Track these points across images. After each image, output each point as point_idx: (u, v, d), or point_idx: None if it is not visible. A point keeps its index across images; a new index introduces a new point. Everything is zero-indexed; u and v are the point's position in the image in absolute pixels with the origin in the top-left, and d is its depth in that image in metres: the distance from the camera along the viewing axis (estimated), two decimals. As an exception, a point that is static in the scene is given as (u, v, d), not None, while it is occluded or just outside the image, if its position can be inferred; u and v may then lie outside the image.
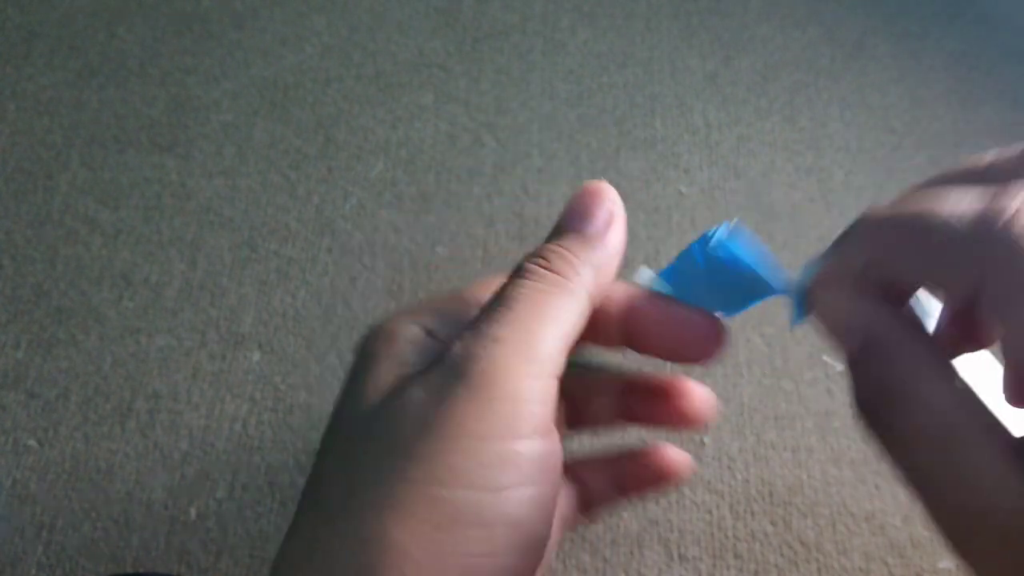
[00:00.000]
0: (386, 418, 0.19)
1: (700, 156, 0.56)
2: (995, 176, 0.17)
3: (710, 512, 0.42)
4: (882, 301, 0.19)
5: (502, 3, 0.64)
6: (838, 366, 0.47)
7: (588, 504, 0.27)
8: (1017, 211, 0.15)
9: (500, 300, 0.21)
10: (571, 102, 0.58)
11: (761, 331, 0.48)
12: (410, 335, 0.22)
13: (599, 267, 0.22)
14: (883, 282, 0.19)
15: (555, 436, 0.20)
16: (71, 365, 0.47)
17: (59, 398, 0.45)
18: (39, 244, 0.51)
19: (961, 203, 0.16)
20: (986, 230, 0.15)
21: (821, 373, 0.46)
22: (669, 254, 0.51)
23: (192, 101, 0.58)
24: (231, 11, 0.63)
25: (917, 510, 0.42)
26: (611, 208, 0.23)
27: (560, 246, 0.22)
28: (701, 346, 0.24)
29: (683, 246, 0.53)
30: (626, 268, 0.52)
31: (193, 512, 0.42)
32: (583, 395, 0.27)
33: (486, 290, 0.23)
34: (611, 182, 0.58)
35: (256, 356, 0.47)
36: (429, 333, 0.22)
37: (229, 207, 0.53)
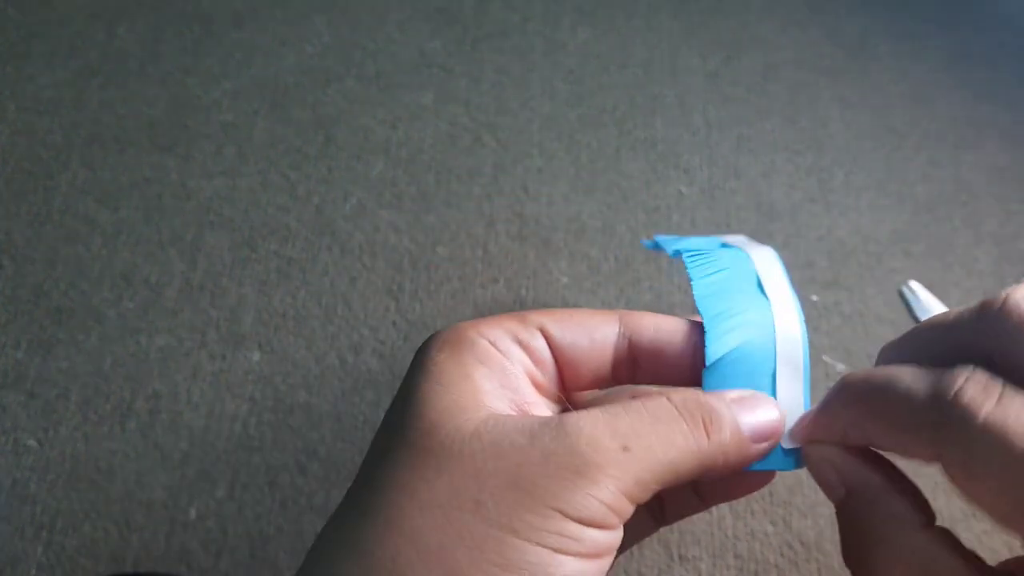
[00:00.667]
0: (472, 447, 0.19)
1: (700, 156, 0.56)
2: (955, 339, 0.20)
3: (710, 512, 0.42)
4: (863, 457, 0.21)
5: (502, 3, 0.64)
6: (838, 366, 0.47)
7: (663, 514, 0.26)
8: (960, 388, 0.18)
9: (643, 407, 0.20)
10: (571, 102, 0.58)
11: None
12: (481, 353, 0.22)
13: (726, 447, 0.21)
14: (864, 441, 0.21)
15: (618, 536, 0.20)
16: (71, 365, 0.47)
17: (59, 398, 0.45)
18: (39, 244, 0.51)
19: (918, 383, 0.19)
20: (937, 406, 0.18)
21: (821, 373, 0.46)
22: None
23: (192, 101, 0.58)
24: (231, 11, 0.63)
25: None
26: (775, 432, 0.22)
27: (707, 404, 0.21)
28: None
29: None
30: (626, 268, 0.52)
31: (193, 512, 0.42)
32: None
33: (559, 319, 0.23)
34: (611, 182, 0.58)
35: (256, 356, 0.47)
36: (503, 354, 0.22)
37: (229, 207, 0.53)
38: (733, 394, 0.22)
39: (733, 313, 0.24)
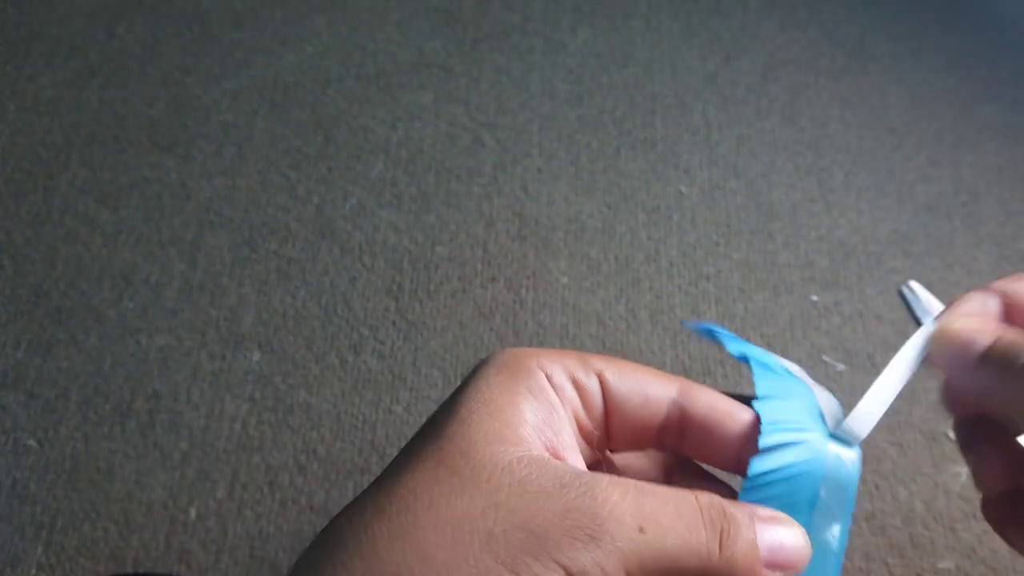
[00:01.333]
0: (500, 479, 0.20)
1: (700, 156, 0.56)
2: None
3: (710, 512, 0.42)
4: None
5: (502, 3, 0.64)
6: (838, 366, 0.47)
7: None
8: None
9: (670, 497, 0.20)
10: (571, 102, 0.58)
11: (761, 331, 0.48)
12: (534, 385, 0.22)
13: (736, 565, 0.20)
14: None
15: None
16: (71, 365, 0.47)
17: (59, 398, 0.45)
18: (39, 244, 0.51)
19: None
20: None
21: (821, 373, 0.46)
22: (669, 254, 0.51)
23: (192, 101, 0.58)
24: (231, 11, 0.63)
25: (917, 510, 0.42)
26: (795, 568, 0.21)
27: (731, 515, 0.21)
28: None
29: (683, 246, 0.54)
30: (626, 268, 0.52)
31: (193, 512, 0.42)
32: None
33: (624, 371, 0.23)
34: (611, 182, 0.58)
35: (256, 356, 0.47)
36: (557, 389, 0.22)
37: (229, 207, 0.53)
38: (765, 512, 0.21)
39: (791, 426, 0.23)
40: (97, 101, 0.58)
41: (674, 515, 0.20)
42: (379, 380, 0.46)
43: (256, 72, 0.59)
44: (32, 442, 0.44)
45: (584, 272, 0.50)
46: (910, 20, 0.64)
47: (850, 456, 0.23)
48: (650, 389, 0.23)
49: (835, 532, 0.22)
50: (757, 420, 0.23)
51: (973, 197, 0.54)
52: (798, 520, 0.22)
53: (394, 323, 0.48)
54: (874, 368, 0.47)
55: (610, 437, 0.24)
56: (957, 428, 0.25)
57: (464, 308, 0.49)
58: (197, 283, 0.50)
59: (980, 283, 0.53)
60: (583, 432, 0.23)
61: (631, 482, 0.20)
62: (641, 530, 0.19)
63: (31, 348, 0.47)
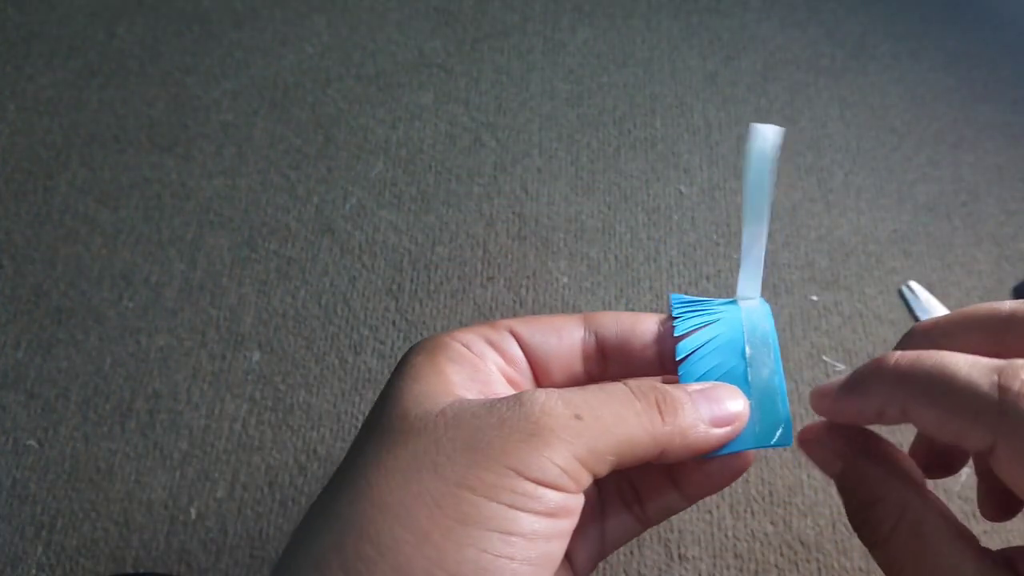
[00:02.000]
0: (435, 422, 0.20)
1: (700, 156, 0.56)
2: (1015, 329, 0.20)
3: (710, 512, 0.42)
4: (860, 434, 0.23)
5: (502, 3, 0.64)
6: (838, 366, 0.47)
7: (644, 511, 0.26)
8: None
9: (599, 387, 0.22)
10: (571, 102, 0.58)
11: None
12: (454, 353, 0.23)
13: (683, 430, 0.22)
14: (903, 421, 0.22)
15: (575, 515, 0.21)
16: (71, 365, 0.47)
17: (59, 398, 0.45)
18: (39, 244, 0.51)
19: (978, 372, 0.19)
20: (1000, 402, 0.18)
21: (821, 373, 0.46)
22: (669, 254, 0.51)
23: (192, 101, 0.58)
24: (231, 11, 0.63)
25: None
26: (738, 418, 0.23)
27: (665, 390, 0.22)
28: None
29: (683, 246, 0.54)
30: (626, 268, 0.52)
31: (193, 512, 0.42)
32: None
33: (532, 324, 0.25)
34: (611, 182, 0.58)
35: (256, 356, 0.47)
36: (477, 355, 0.23)
37: (229, 207, 0.53)
38: (695, 386, 0.23)
39: (701, 308, 0.25)
40: (97, 101, 0.58)
41: (606, 399, 0.21)
42: (379, 380, 0.46)
43: (256, 72, 0.59)
44: (32, 442, 0.44)
45: (584, 272, 0.50)
46: (910, 20, 0.64)
47: (755, 306, 0.25)
48: (561, 330, 0.25)
49: (772, 374, 0.24)
50: (668, 318, 0.25)
51: (973, 197, 0.54)
52: (737, 381, 0.24)
53: (394, 323, 0.48)
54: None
55: (540, 382, 0.25)
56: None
57: (464, 308, 0.49)
58: (197, 283, 0.50)
59: (980, 283, 0.53)
60: (515, 386, 0.24)
61: (557, 389, 0.21)
62: (577, 417, 0.20)
63: (31, 348, 0.47)
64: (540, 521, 0.19)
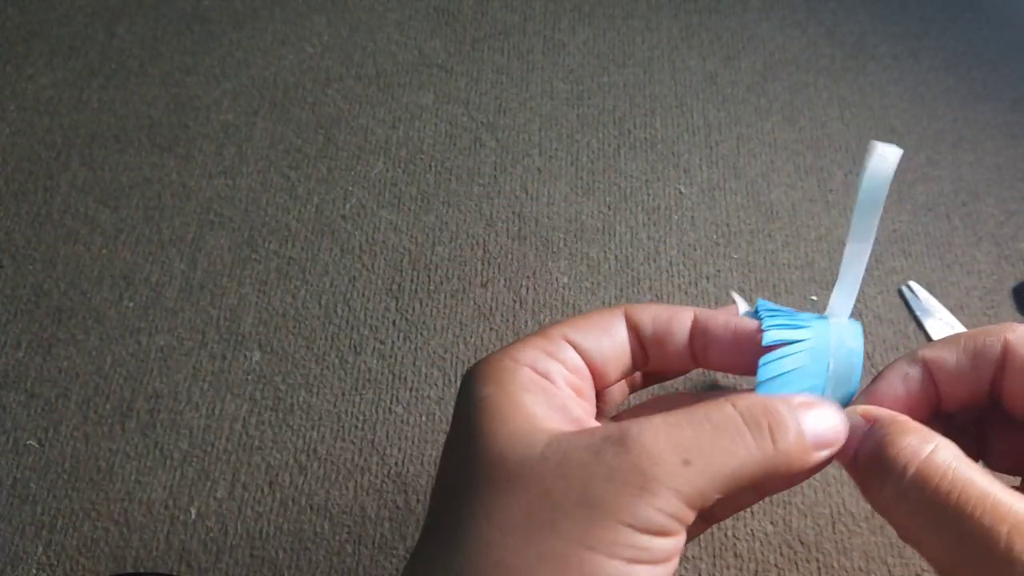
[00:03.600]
0: (539, 470, 0.20)
1: (700, 156, 0.56)
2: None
3: (710, 512, 0.42)
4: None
5: (502, 3, 0.64)
6: (838, 366, 0.47)
7: (712, 513, 0.26)
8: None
9: (705, 416, 0.21)
10: (571, 102, 0.58)
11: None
12: (525, 380, 0.23)
13: (790, 457, 0.21)
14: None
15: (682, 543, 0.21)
16: (71, 365, 0.47)
17: (59, 398, 0.45)
18: (39, 244, 0.51)
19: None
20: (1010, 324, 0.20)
21: (821, 373, 0.46)
22: (669, 254, 0.51)
23: (192, 101, 0.58)
24: (231, 11, 0.63)
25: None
26: (839, 437, 0.22)
27: (772, 409, 0.21)
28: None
29: (683, 246, 0.54)
30: (626, 268, 0.52)
31: (193, 512, 0.42)
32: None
33: (582, 326, 0.25)
34: (611, 182, 0.58)
35: (256, 356, 0.47)
36: (544, 375, 0.23)
37: (229, 207, 0.53)
38: (799, 399, 0.22)
39: (793, 323, 0.25)
40: (97, 101, 0.58)
41: (713, 434, 0.20)
42: (379, 380, 0.46)
43: (256, 72, 0.60)
44: (32, 442, 0.44)
45: (584, 272, 0.50)
46: (910, 20, 0.64)
47: (848, 325, 0.25)
48: (609, 328, 0.25)
49: (848, 395, 0.24)
50: (750, 322, 0.25)
51: (973, 197, 0.54)
52: (817, 386, 0.23)
53: (394, 323, 0.48)
54: (873, 368, 0.47)
55: (598, 386, 0.25)
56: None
57: (464, 308, 0.49)
58: (197, 283, 0.50)
59: (980, 283, 0.53)
60: (581, 395, 0.24)
61: (658, 418, 0.20)
62: (686, 463, 0.20)
63: (31, 348, 0.47)
64: (654, 570, 0.19)
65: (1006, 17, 0.64)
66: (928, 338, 0.47)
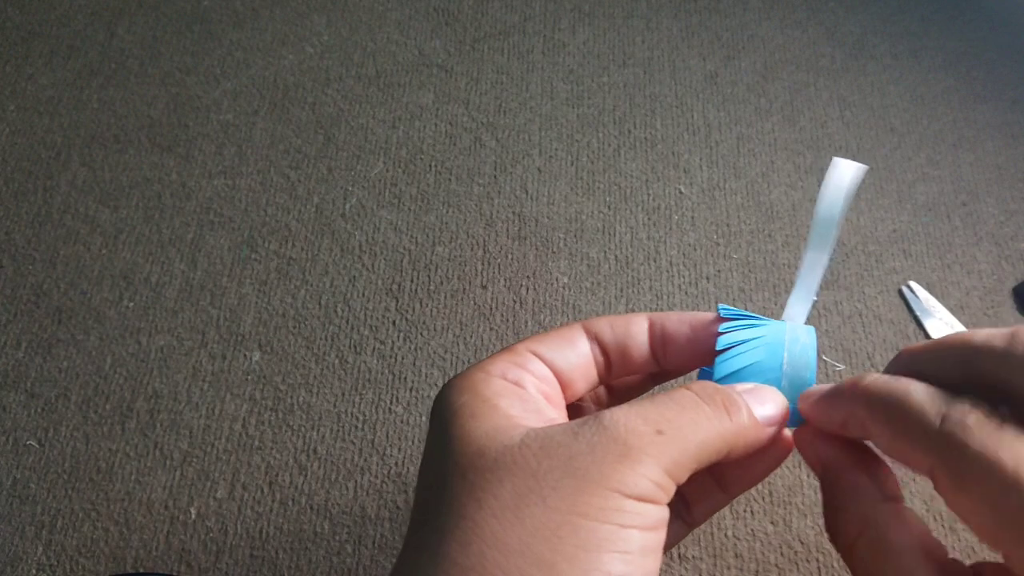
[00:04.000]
0: (523, 455, 0.21)
1: (700, 156, 0.56)
2: (983, 358, 0.21)
3: (710, 512, 0.42)
4: (836, 438, 0.24)
5: (502, 3, 0.64)
6: (838, 366, 0.47)
7: (691, 513, 0.28)
8: (965, 416, 0.20)
9: (667, 397, 0.23)
10: (571, 102, 0.58)
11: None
12: (497, 387, 0.24)
13: (745, 429, 0.23)
14: (860, 436, 0.23)
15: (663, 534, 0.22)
16: (71, 365, 0.47)
17: (59, 398, 0.45)
18: (39, 244, 0.51)
19: (930, 401, 0.21)
20: (940, 431, 0.20)
21: (821, 373, 0.46)
22: (669, 254, 0.51)
23: (192, 101, 0.58)
24: (231, 11, 0.63)
25: (917, 510, 0.42)
26: (783, 415, 0.25)
27: (725, 391, 0.23)
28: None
29: (683, 246, 0.54)
30: (626, 268, 0.52)
31: (193, 512, 0.42)
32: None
33: (547, 343, 0.26)
34: (611, 182, 0.58)
35: (256, 356, 0.47)
36: (516, 383, 0.24)
37: (229, 207, 0.53)
38: (742, 387, 0.24)
39: (750, 324, 0.26)
40: (97, 101, 0.58)
41: (679, 409, 0.22)
42: (379, 380, 0.46)
43: (256, 72, 0.59)
44: (32, 442, 0.44)
45: (584, 272, 0.50)
46: (910, 20, 0.64)
47: (803, 329, 0.26)
48: (572, 341, 0.26)
49: (803, 387, 0.25)
50: (708, 322, 0.27)
51: (973, 197, 0.54)
52: (774, 368, 0.25)
53: (394, 323, 0.48)
54: (873, 368, 0.47)
55: (567, 394, 0.26)
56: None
57: (464, 308, 0.49)
58: (197, 283, 0.50)
59: (980, 283, 0.53)
60: (554, 403, 0.25)
61: (627, 404, 0.22)
62: (659, 432, 0.21)
63: (31, 348, 0.47)
64: (646, 536, 0.20)
65: (1006, 17, 0.64)
66: (928, 338, 0.47)
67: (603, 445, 0.20)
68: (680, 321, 0.27)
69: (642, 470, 0.20)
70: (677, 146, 0.56)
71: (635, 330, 0.27)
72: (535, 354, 0.25)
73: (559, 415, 0.25)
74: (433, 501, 0.21)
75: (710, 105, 0.58)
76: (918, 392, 0.21)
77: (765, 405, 0.24)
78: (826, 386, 0.25)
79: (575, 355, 0.26)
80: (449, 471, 0.21)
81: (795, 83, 0.60)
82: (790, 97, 0.59)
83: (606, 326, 0.27)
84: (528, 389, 0.24)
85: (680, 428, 0.21)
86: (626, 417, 0.21)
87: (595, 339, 0.26)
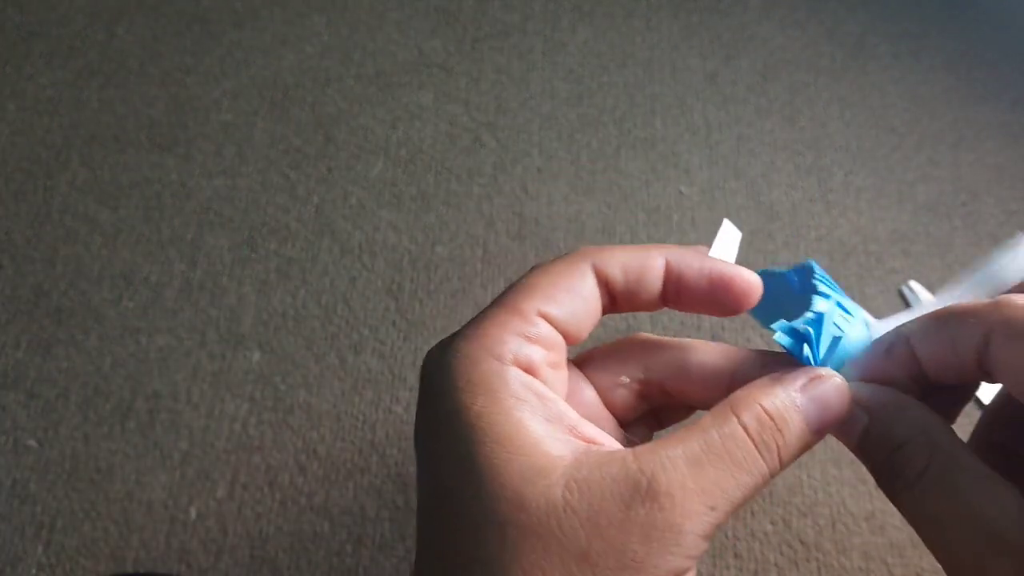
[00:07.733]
0: (567, 521, 0.20)
1: (700, 156, 0.56)
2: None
3: (710, 512, 0.42)
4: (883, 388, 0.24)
5: (502, 3, 0.64)
6: (838, 366, 0.47)
7: (659, 424, 0.28)
8: (1012, 296, 0.21)
9: (723, 448, 0.21)
10: (571, 102, 0.58)
11: (761, 331, 0.48)
12: (517, 388, 0.22)
13: (791, 457, 0.22)
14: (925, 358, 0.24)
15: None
16: (71, 365, 0.47)
17: (59, 398, 0.45)
18: (39, 244, 0.51)
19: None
20: (995, 302, 0.21)
21: (821, 373, 0.46)
22: (669, 254, 0.51)
23: (192, 101, 0.58)
24: (231, 11, 0.63)
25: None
26: (841, 418, 0.23)
27: (777, 415, 0.22)
28: (739, 301, 0.26)
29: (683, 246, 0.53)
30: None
31: (193, 512, 0.42)
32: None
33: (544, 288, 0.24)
34: (611, 182, 0.58)
35: (256, 356, 0.47)
36: (534, 372, 0.23)
37: (229, 207, 0.53)
38: (802, 379, 0.23)
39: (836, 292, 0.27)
40: (97, 101, 0.58)
41: (732, 467, 0.21)
42: (379, 380, 0.46)
43: (256, 72, 0.59)
44: (32, 442, 0.44)
45: (584, 272, 0.50)
46: (910, 20, 0.64)
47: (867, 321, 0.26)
48: (582, 291, 0.25)
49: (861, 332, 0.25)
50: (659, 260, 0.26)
51: (973, 197, 0.54)
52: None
53: (394, 323, 0.48)
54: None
55: (569, 341, 0.25)
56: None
57: (464, 308, 0.49)
58: (197, 283, 0.50)
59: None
60: (555, 369, 0.24)
61: (679, 454, 0.21)
62: (712, 509, 0.20)
63: (31, 348, 0.47)
64: None
65: (1006, 17, 0.64)
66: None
67: (659, 532, 0.20)
68: (700, 271, 0.26)
69: (685, 551, 0.20)
70: (677, 146, 0.56)
71: (649, 277, 0.25)
72: (543, 315, 0.24)
73: (584, 425, 0.23)
74: (463, 546, 0.21)
75: (710, 105, 0.58)
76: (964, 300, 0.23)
77: (826, 406, 0.23)
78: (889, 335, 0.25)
79: (583, 305, 0.24)
80: (482, 519, 0.20)
81: (795, 83, 0.60)
82: (790, 97, 0.59)
83: (618, 270, 0.25)
84: (543, 376, 0.23)
85: (732, 496, 0.21)
86: (682, 493, 0.20)
87: (604, 281, 0.25)
